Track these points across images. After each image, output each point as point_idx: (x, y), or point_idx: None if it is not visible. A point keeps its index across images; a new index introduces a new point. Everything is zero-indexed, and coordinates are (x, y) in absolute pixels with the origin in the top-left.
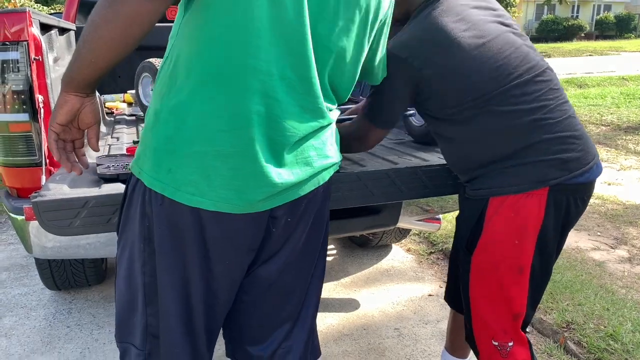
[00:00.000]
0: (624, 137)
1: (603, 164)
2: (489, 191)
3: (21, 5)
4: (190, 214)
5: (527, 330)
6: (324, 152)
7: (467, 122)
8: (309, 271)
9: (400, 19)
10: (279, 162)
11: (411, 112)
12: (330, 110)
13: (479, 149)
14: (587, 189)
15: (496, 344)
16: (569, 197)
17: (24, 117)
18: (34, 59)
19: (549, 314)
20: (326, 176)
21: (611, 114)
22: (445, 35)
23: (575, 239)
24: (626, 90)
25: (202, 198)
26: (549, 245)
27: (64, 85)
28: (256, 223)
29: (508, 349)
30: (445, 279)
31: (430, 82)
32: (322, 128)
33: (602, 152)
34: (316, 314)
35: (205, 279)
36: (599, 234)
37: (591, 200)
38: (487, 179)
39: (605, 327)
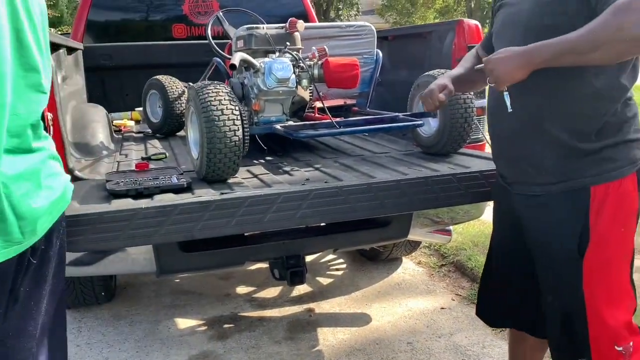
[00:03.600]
0: None
1: None
2: (590, 179)
3: None
4: None
5: None
6: None
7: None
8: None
9: None
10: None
11: (419, 122)
12: None
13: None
14: None
15: (620, 349)
16: None
17: None
18: None
19: None
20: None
21: None
22: None
23: None
24: None
25: None
26: None
27: None
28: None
29: (631, 350)
30: (458, 291)
31: None
32: None
33: None
34: None
35: None
36: None
37: None
38: (587, 165)
39: None
